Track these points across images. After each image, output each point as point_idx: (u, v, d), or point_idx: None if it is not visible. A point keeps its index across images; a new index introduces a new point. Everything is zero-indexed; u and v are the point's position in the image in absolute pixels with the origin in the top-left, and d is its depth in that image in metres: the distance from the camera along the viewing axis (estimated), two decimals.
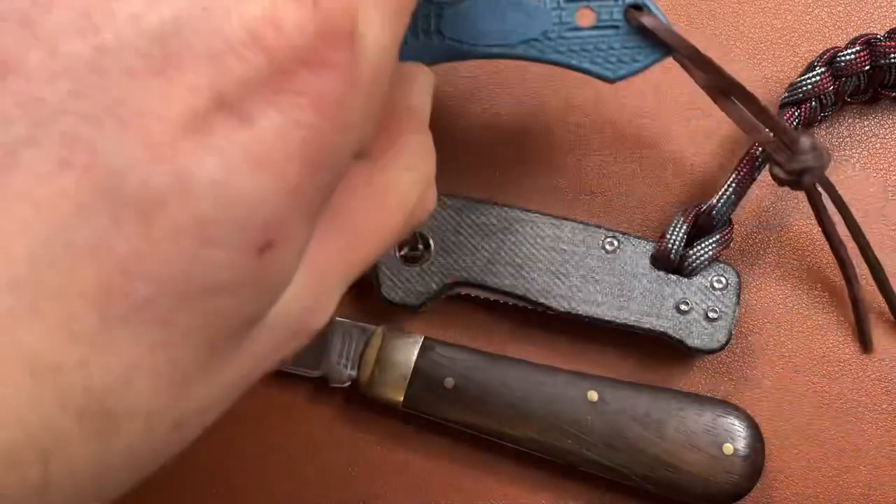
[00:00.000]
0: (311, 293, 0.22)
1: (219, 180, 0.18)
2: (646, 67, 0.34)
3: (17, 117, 0.17)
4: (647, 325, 0.39)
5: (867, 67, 0.39)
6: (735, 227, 0.40)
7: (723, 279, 0.39)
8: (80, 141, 0.17)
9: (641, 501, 0.40)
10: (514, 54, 0.35)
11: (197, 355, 0.19)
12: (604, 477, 0.39)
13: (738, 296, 0.39)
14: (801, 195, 0.40)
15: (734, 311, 0.39)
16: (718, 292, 0.39)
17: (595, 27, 0.34)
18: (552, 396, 0.39)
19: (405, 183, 0.26)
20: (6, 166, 0.17)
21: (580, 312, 0.39)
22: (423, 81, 0.28)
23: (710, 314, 0.38)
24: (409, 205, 0.26)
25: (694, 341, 0.38)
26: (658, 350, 0.40)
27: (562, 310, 0.39)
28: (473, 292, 0.40)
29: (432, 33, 0.34)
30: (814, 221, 0.40)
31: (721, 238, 0.39)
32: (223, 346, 0.20)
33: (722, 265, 0.39)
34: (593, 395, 0.39)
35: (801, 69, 0.41)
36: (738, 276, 0.39)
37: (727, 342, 0.38)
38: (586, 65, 0.34)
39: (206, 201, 0.18)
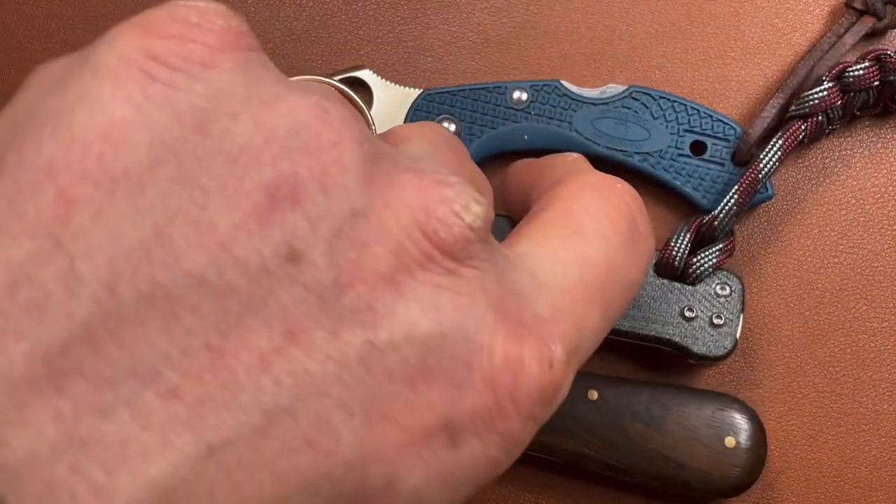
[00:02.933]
0: None
1: (418, 490, 0.20)
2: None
3: (287, 387, 0.18)
4: (653, 333, 0.39)
5: (877, 83, 0.39)
6: (738, 232, 0.40)
7: (727, 286, 0.39)
8: (329, 427, 0.18)
9: (644, 498, 0.40)
10: (628, 162, 0.40)
11: None
12: (606, 475, 0.39)
13: (743, 303, 0.39)
14: (803, 203, 0.40)
15: (739, 318, 0.39)
16: (723, 299, 0.39)
17: (704, 159, 0.40)
18: None
19: None
20: (263, 432, 0.18)
21: None
22: None
23: (715, 320, 0.39)
24: None
25: (700, 348, 0.39)
26: (658, 354, 0.40)
27: None
28: None
29: (564, 122, 0.39)
30: (815, 227, 0.41)
31: (724, 247, 0.39)
32: None
33: (725, 272, 0.39)
34: (593, 394, 0.39)
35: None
36: (742, 283, 0.39)
37: (732, 349, 0.39)
38: (688, 189, 0.40)
39: None
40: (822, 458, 0.41)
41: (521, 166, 0.32)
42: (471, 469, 0.21)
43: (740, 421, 0.38)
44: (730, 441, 0.38)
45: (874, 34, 0.41)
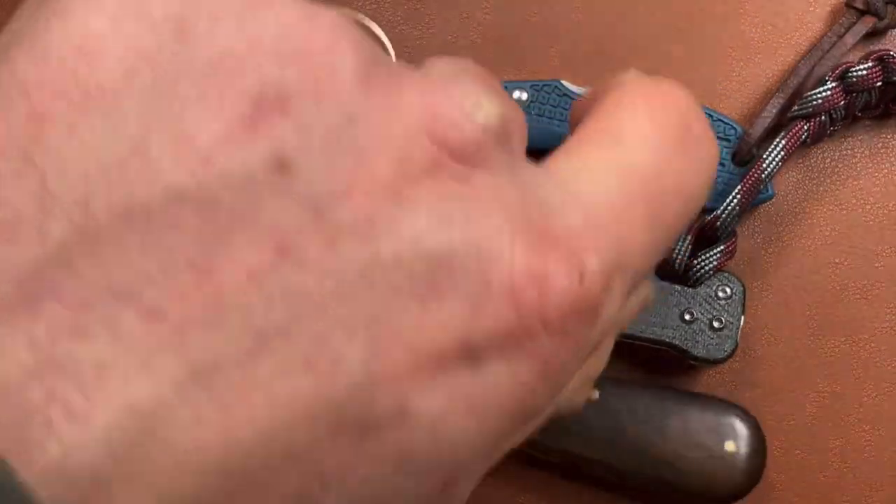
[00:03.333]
0: None
1: (436, 417, 0.18)
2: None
3: (279, 305, 0.17)
4: (653, 336, 0.39)
5: (879, 83, 0.39)
6: (738, 232, 0.40)
7: (727, 288, 0.39)
8: (329, 347, 0.17)
9: (643, 500, 0.40)
10: None
11: None
12: (605, 476, 0.39)
13: (743, 305, 0.39)
14: (803, 204, 0.40)
15: (739, 321, 0.39)
16: (723, 302, 0.39)
17: None
18: None
19: None
20: (254, 354, 0.17)
21: None
22: None
23: (715, 323, 0.39)
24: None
25: (700, 351, 0.39)
26: (658, 355, 0.40)
27: None
28: None
29: (564, 122, 0.39)
30: (815, 227, 0.41)
31: (725, 248, 0.39)
32: None
33: (726, 275, 0.39)
34: (594, 395, 0.39)
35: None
36: (743, 286, 0.39)
37: (733, 352, 0.39)
38: None
39: (418, 434, 0.18)
40: (822, 458, 0.41)
41: (573, 106, 0.30)
42: (498, 395, 0.19)
43: (740, 427, 0.38)
44: (730, 446, 0.38)
45: (875, 34, 0.41)
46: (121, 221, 0.17)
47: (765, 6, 0.42)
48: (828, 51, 0.40)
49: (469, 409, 0.18)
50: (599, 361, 0.24)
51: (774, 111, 0.40)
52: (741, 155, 0.40)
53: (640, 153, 0.21)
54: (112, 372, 0.16)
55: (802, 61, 0.40)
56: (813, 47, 0.40)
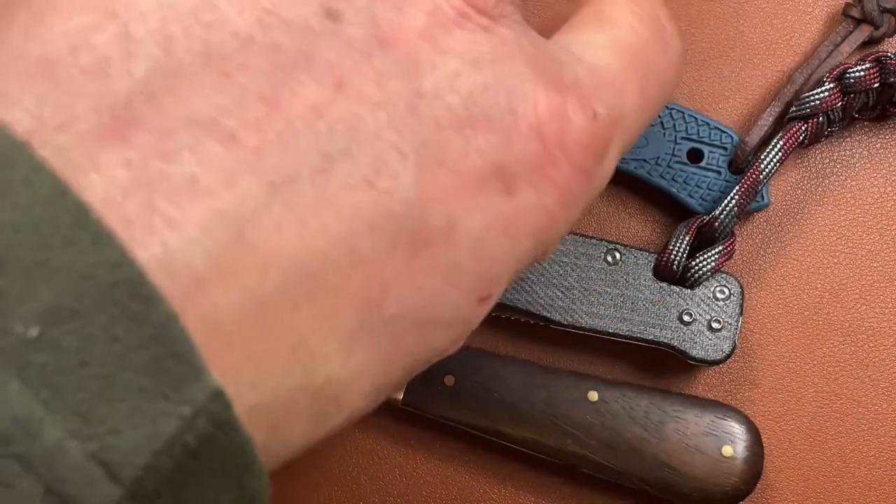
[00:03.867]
0: None
1: (478, 235, 0.21)
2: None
3: (341, 131, 0.19)
4: (651, 337, 0.39)
5: (876, 85, 0.39)
6: (736, 233, 0.40)
7: (725, 289, 0.39)
8: (386, 167, 0.19)
9: (642, 502, 0.40)
10: (623, 168, 0.40)
11: (400, 374, 0.22)
12: (603, 478, 0.39)
13: (742, 306, 0.39)
14: (802, 205, 0.40)
15: (737, 322, 0.39)
16: (721, 302, 0.39)
17: (700, 167, 0.40)
18: (552, 396, 0.39)
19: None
20: (322, 171, 0.19)
21: (583, 325, 0.39)
22: None
23: (714, 324, 0.39)
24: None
25: (698, 352, 0.39)
26: (658, 354, 0.40)
27: (564, 323, 0.39)
28: None
29: None
30: (813, 228, 0.41)
31: (724, 249, 0.39)
32: (418, 369, 0.22)
33: (724, 275, 0.39)
34: (593, 396, 0.39)
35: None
36: (741, 287, 0.39)
37: (731, 353, 0.39)
38: (683, 195, 0.40)
39: (463, 249, 0.21)
40: (821, 458, 0.41)
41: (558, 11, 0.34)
42: (528, 219, 0.22)
43: (738, 431, 0.38)
44: (727, 451, 0.38)
45: (871, 43, 0.40)
46: (197, 62, 0.19)
47: (765, 7, 0.42)
48: (824, 60, 0.40)
49: (504, 229, 0.21)
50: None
51: (771, 119, 0.40)
52: (738, 163, 0.40)
53: (629, 34, 0.25)
54: (199, 186, 0.18)
55: (799, 70, 0.40)
56: (809, 56, 0.40)
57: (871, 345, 0.41)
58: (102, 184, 0.17)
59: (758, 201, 0.40)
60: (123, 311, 0.16)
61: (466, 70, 0.21)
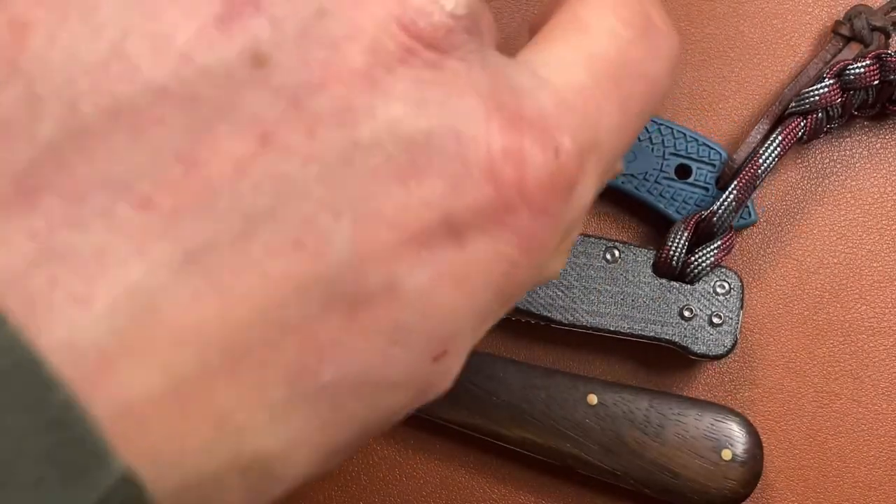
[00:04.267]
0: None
1: (425, 291, 0.19)
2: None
3: (266, 190, 0.18)
4: (652, 334, 0.39)
5: (876, 82, 0.39)
6: (737, 236, 0.41)
7: (725, 284, 0.39)
8: (316, 228, 0.18)
9: (641, 502, 0.40)
10: (610, 183, 0.37)
11: (349, 438, 0.20)
12: (602, 480, 0.39)
13: (742, 300, 0.39)
14: (801, 203, 0.40)
15: (738, 316, 0.39)
16: (722, 297, 0.39)
17: (688, 182, 0.40)
18: (552, 398, 0.39)
19: None
20: (244, 235, 0.18)
21: (583, 324, 0.39)
22: None
23: (714, 319, 0.39)
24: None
25: (700, 348, 0.39)
26: (658, 352, 0.40)
27: (565, 322, 0.39)
28: None
29: None
30: (813, 227, 0.41)
31: (723, 244, 0.39)
32: (373, 432, 0.21)
33: (724, 270, 0.39)
34: (593, 399, 0.39)
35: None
36: (741, 281, 0.39)
37: (733, 347, 0.39)
38: (671, 211, 0.40)
39: (409, 308, 0.19)
40: (821, 458, 0.41)
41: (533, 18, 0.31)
42: (483, 269, 0.20)
43: (738, 434, 0.38)
44: (726, 454, 0.38)
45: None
46: (107, 119, 0.17)
47: (765, 6, 0.42)
48: (814, 77, 0.40)
49: (455, 283, 0.20)
50: (570, 240, 0.25)
51: (759, 136, 0.40)
52: (725, 180, 0.40)
53: (604, 41, 0.23)
54: (109, 258, 0.17)
55: (788, 87, 0.40)
56: (799, 74, 0.40)
57: (871, 345, 0.41)
58: (4, 259, 0.16)
59: (745, 217, 0.40)
60: (17, 398, 0.15)
61: (410, 113, 0.19)
